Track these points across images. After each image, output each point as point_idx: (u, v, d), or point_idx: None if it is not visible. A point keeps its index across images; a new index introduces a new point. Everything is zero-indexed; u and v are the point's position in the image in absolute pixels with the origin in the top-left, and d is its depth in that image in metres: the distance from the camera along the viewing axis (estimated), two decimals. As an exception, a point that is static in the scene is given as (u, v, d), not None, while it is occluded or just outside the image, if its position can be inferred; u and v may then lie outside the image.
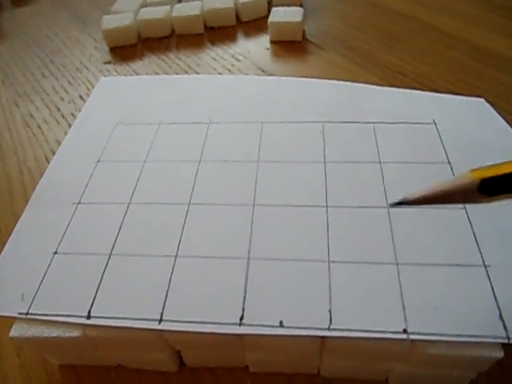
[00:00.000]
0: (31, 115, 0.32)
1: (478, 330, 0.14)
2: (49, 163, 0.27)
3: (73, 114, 0.31)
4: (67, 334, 0.15)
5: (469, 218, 0.17)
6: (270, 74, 0.33)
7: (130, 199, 0.19)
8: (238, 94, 0.25)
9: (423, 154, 0.20)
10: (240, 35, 0.38)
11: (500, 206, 0.17)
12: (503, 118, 0.23)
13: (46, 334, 0.15)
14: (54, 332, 0.16)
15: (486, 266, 0.16)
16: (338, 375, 0.17)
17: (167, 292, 0.16)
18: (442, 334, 0.14)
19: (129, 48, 0.38)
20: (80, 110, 0.25)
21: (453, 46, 0.34)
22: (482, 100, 0.23)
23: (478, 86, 0.30)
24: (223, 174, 0.20)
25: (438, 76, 0.31)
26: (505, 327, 0.14)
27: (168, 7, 0.38)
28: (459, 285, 0.15)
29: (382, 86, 0.26)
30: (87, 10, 0.46)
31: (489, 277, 0.15)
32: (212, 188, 0.19)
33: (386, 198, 0.18)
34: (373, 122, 0.22)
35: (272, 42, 0.36)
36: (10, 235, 0.19)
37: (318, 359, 0.16)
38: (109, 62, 0.36)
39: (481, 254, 0.16)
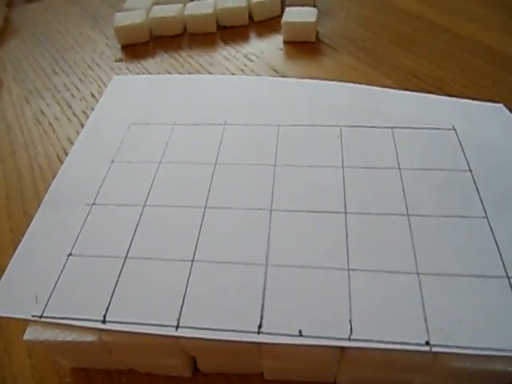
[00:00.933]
0: (42, 112, 0.32)
1: (503, 343, 0.14)
2: (60, 161, 0.27)
3: (84, 112, 0.31)
4: (82, 339, 0.15)
5: (491, 227, 0.17)
6: (282, 75, 0.32)
7: (145, 201, 0.19)
8: (253, 95, 0.24)
9: (443, 161, 0.19)
10: (253, 35, 0.38)
11: (523, 216, 0.17)
12: (522, 124, 0.22)
13: (60, 338, 0.15)
14: (69, 336, 0.15)
15: (509, 278, 0.15)
16: (354, 384, 0.17)
17: (184, 297, 0.16)
18: (465, 347, 0.14)
19: (140, 46, 0.37)
20: (92, 108, 0.25)
21: (467, 48, 0.33)
22: (500, 105, 0.23)
23: (494, 90, 0.29)
24: (240, 178, 0.20)
25: (453, 79, 0.30)
26: (530, 341, 0.14)
27: (181, 5, 0.38)
28: (482, 296, 0.15)
29: (397, 89, 0.25)
30: (98, 6, 0.45)
31: (512, 288, 0.15)
32: (228, 191, 0.19)
33: (406, 205, 0.18)
34: (391, 127, 0.21)
35: (285, 43, 0.36)
36: (22, 235, 0.19)
37: (335, 369, 0.16)
38: (120, 60, 0.36)
39: (503, 264, 0.16)
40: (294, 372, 0.17)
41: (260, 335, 0.14)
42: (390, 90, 0.24)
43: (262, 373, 0.17)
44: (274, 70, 0.33)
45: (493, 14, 0.37)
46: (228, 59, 0.35)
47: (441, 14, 0.38)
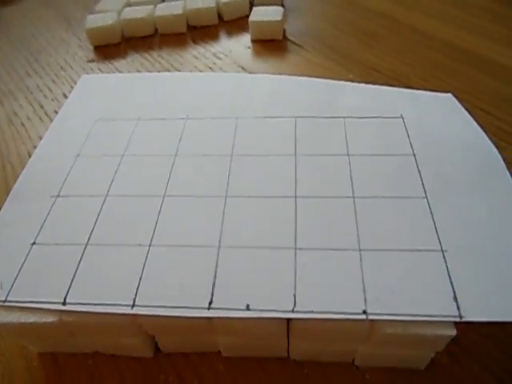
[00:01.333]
0: (15, 113, 0.32)
1: (433, 310, 0.15)
2: (31, 159, 0.28)
3: (56, 112, 0.32)
4: (43, 320, 0.16)
5: (429, 205, 0.18)
6: (250, 72, 0.33)
7: (107, 192, 0.20)
8: (216, 90, 0.25)
9: (390, 147, 0.21)
10: (222, 34, 0.39)
11: (459, 195, 0.18)
12: (471, 112, 0.24)
13: (23, 320, 0.16)
14: (31, 318, 0.16)
15: (443, 251, 0.16)
16: (306, 358, 0.18)
17: (140, 279, 0.16)
18: (398, 314, 0.15)
19: (112, 47, 0.38)
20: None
21: (428, 44, 0.35)
22: (449, 95, 0.24)
23: (452, 82, 0.31)
24: (198, 168, 0.21)
25: (414, 74, 0.32)
26: (458, 307, 0.15)
27: (151, 7, 0.39)
28: (417, 269, 0.16)
29: (359, 82, 0.27)
30: (72, 9, 0.46)
31: (445, 261, 0.16)
32: (186, 181, 0.20)
33: (353, 189, 0.19)
34: (343, 117, 0.22)
35: (253, 41, 0.37)
36: (-10, 228, 0.20)
37: (286, 342, 0.17)
38: (92, 61, 0.37)
39: (439, 239, 0.17)
40: (249, 348, 0.18)
41: (210, 310, 0.15)
42: (345, 82, 0.26)
43: (219, 351, 0.18)
44: (242, 68, 0.34)
45: (452, 11, 0.38)
46: (197, 58, 0.36)
47: (404, 11, 0.39)
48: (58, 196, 0.20)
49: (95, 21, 0.38)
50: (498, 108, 0.28)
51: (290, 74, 0.28)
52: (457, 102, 0.24)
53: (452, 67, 0.32)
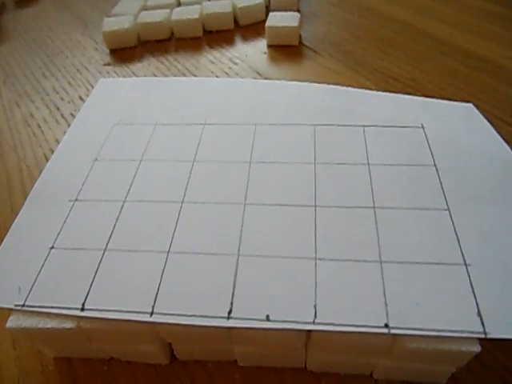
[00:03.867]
0: (31, 115, 0.33)
1: (457, 325, 0.15)
2: (47, 161, 0.28)
3: (72, 114, 0.32)
4: (61, 326, 0.16)
5: (452, 218, 0.18)
6: (266, 78, 0.33)
7: (126, 197, 0.20)
8: (233, 96, 0.25)
9: (410, 157, 0.20)
10: (238, 39, 0.39)
11: (482, 207, 0.18)
12: (491, 122, 0.23)
13: (40, 325, 0.16)
14: (49, 323, 0.16)
15: (466, 265, 0.16)
16: (323, 369, 0.18)
17: (159, 286, 0.16)
18: (421, 329, 0.14)
19: (128, 50, 0.38)
20: (80, 111, 0.26)
21: (445, 52, 0.35)
22: (470, 105, 0.24)
23: (469, 91, 0.30)
24: (216, 174, 0.20)
25: (430, 81, 0.32)
26: (482, 323, 0.14)
27: (168, 11, 0.39)
28: (440, 282, 0.16)
29: (375, 90, 0.26)
30: (88, 11, 0.46)
31: (469, 275, 0.16)
32: (205, 187, 0.20)
33: (373, 199, 0.19)
34: (363, 126, 0.22)
35: (269, 46, 0.37)
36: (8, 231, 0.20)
37: (304, 353, 0.17)
38: (108, 64, 0.37)
39: (462, 253, 0.17)
40: (265, 358, 0.17)
41: (229, 320, 0.15)
42: (364, 90, 0.25)
43: (236, 360, 0.18)
44: (258, 73, 0.34)
45: (469, 18, 0.38)
46: (213, 63, 0.36)
47: (420, 18, 0.39)
48: (77, 200, 0.20)
49: (112, 24, 0.38)
50: (518, 118, 0.28)
51: (305, 80, 0.27)
52: (477, 111, 0.24)
53: (469, 75, 0.32)
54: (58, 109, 0.33)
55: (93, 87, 0.34)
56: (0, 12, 0.48)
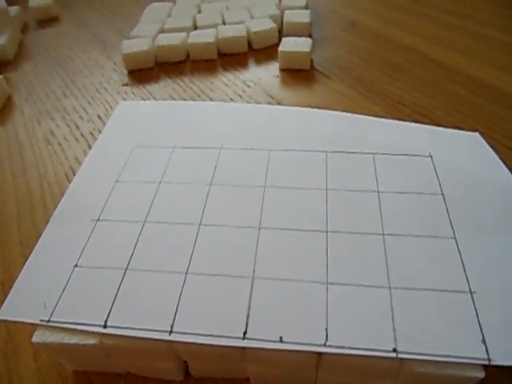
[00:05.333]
0: (52, 133, 0.34)
1: (462, 351, 0.15)
2: (68, 179, 0.29)
3: (91, 133, 0.33)
4: (85, 342, 0.17)
5: (458, 246, 0.18)
6: (278, 101, 0.35)
7: (146, 218, 0.21)
8: (249, 121, 0.26)
9: (418, 185, 0.21)
10: (251, 62, 0.40)
11: (487, 236, 0.19)
12: (497, 150, 0.24)
13: (65, 341, 0.17)
14: (73, 339, 0.17)
15: (471, 293, 0.17)
16: (332, 390, 0.18)
17: (177, 306, 0.17)
18: (428, 354, 0.15)
19: (146, 71, 0.40)
20: (98, 130, 0.27)
21: (453, 79, 0.36)
22: (476, 134, 0.25)
23: (476, 118, 0.31)
24: (232, 198, 0.21)
25: (438, 108, 0.32)
26: (486, 350, 0.15)
27: (184, 34, 0.41)
28: (446, 309, 0.17)
29: (384, 116, 0.27)
30: (106, 32, 0.48)
31: (474, 302, 0.17)
32: (221, 210, 0.21)
33: (382, 226, 0.20)
34: (373, 153, 0.23)
35: (281, 70, 0.38)
36: (32, 247, 0.21)
37: (314, 374, 0.18)
38: (126, 85, 0.39)
39: (467, 280, 0.17)
40: (277, 377, 0.18)
41: (244, 340, 0.16)
42: (373, 118, 0.26)
43: (247, 378, 0.19)
44: (271, 96, 0.35)
45: (476, 46, 0.39)
46: (227, 85, 0.37)
47: (428, 45, 0.40)
48: (99, 220, 0.21)
49: (130, 46, 0.39)
50: (524, 146, 0.29)
51: (316, 104, 0.28)
52: (483, 141, 0.25)
53: (476, 102, 0.33)
54: (78, 127, 0.34)
55: (111, 107, 0.36)
56: (23, 31, 0.49)
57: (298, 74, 0.38)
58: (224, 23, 0.43)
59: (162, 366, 0.18)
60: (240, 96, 0.36)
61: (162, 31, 0.43)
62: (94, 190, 0.23)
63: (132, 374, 0.20)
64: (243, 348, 0.16)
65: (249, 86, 0.37)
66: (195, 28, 0.43)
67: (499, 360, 0.15)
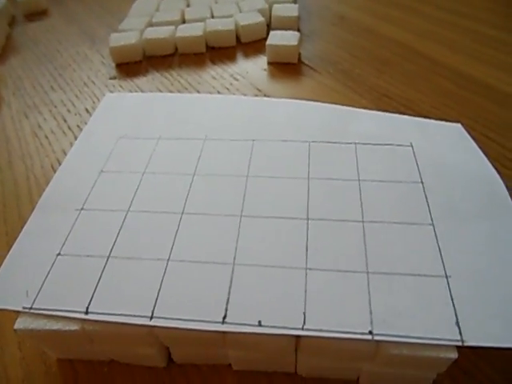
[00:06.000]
0: (39, 126, 0.34)
1: (436, 333, 0.16)
2: (54, 171, 0.29)
3: (79, 126, 0.33)
4: (67, 328, 0.17)
5: (435, 232, 0.19)
6: (265, 94, 0.35)
7: (129, 207, 0.21)
8: (234, 113, 0.27)
9: (399, 174, 0.21)
10: (239, 56, 0.40)
11: (464, 223, 0.19)
12: (480, 141, 0.24)
13: (47, 327, 0.17)
14: (55, 325, 0.17)
15: (447, 277, 0.17)
16: (313, 374, 0.19)
17: (159, 292, 0.17)
18: (403, 336, 0.16)
19: (134, 65, 0.40)
20: (85, 123, 0.27)
21: (439, 72, 0.36)
22: (458, 125, 0.25)
23: (460, 110, 0.32)
24: (215, 187, 0.22)
25: (424, 101, 0.33)
26: (460, 332, 0.16)
27: (172, 27, 0.41)
28: (422, 293, 0.17)
29: (370, 108, 0.28)
30: (95, 26, 0.48)
31: (449, 286, 0.17)
32: (204, 199, 0.21)
33: (362, 213, 0.20)
34: (355, 143, 0.23)
35: (269, 64, 0.38)
36: (16, 237, 0.21)
37: (294, 358, 0.18)
38: (114, 78, 0.39)
39: (443, 265, 0.18)
40: (258, 362, 0.18)
41: (224, 325, 0.16)
42: (357, 109, 0.27)
43: (230, 364, 0.19)
44: (258, 90, 0.36)
45: (463, 40, 0.40)
46: (215, 78, 0.37)
47: (416, 39, 0.40)
48: (83, 209, 0.21)
49: (118, 39, 0.39)
50: (506, 137, 0.29)
51: (304, 97, 0.29)
52: (465, 132, 0.25)
53: (461, 95, 0.33)
54: (65, 121, 0.34)
55: (99, 100, 0.36)
56: (10, 25, 0.49)
57: (286, 68, 0.38)
58: (212, 17, 0.43)
59: (145, 352, 0.18)
60: (227, 89, 0.36)
61: (151, 25, 0.43)
62: (79, 179, 0.23)
63: (115, 361, 0.20)
64: (223, 333, 0.17)
65: (236, 80, 0.37)
66: (183, 22, 0.43)
67: (472, 341, 0.15)
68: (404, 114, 0.28)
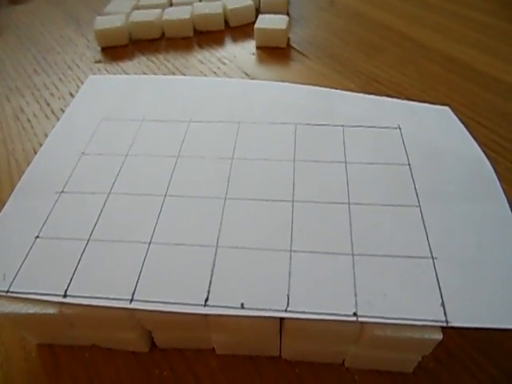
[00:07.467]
0: (22, 109, 0.33)
1: (421, 314, 0.15)
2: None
3: (62, 110, 0.32)
4: (44, 311, 0.17)
5: (422, 214, 0.19)
6: (253, 78, 0.34)
7: (110, 190, 0.20)
8: (219, 95, 0.26)
9: (386, 156, 0.21)
10: (227, 40, 0.40)
11: (451, 205, 0.19)
12: (468, 125, 0.24)
13: (24, 311, 0.17)
14: (32, 309, 0.17)
15: (433, 258, 0.17)
16: (297, 358, 0.18)
17: (139, 275, 0.17)
18: (387, 318, 0.15)
19: (120, 48, 0.39)
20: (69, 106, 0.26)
21: (428, 56, 0.36)
22: (446, 108, 0.25)
23: (450, 95, 0.31)
24: (199, 169, 0.21)
25: (412, 85, 0.33)
26: (445, 313, 0.15)
27: (159, 10, 0.40)
28: (408, 274, 0.17)
29: (359, 92, 0.27)
30: (81, 10, 0.47)
31: (435, 268, 0.17)
32: (187, 182, 0.21)
33: (348, 195, 0.19)
34: (342, 125, 0.23)
35: (257, 48, 0.38)
36: (-5, 221, 0.20)
37: (278, 342, 0.18)
38: (99, 61, 0.38)
39: (430, 247, 0.17)
40: (242, 346, 0.18)
41: (206, 307, 0.16)
42: (345, 92, 0.26)
43: (213, 349, 0.19)
44: (246, 74, 0.35)
45: (453, 25, 0.39)
46: (203, 62, 0.36)
47: (406, 24, 0.40)
48: (63, 192, 0.21)
49: (104, 22, 0.38)
50: (494, 122, 0.29)
51: (292, 82, 0.28)
52: (453, 115, 0.25)
53: (450, 80, 0.33)
54: (48, 104, 0.33)
55: (83, 84, 0.35)
56: (-7, 8, 0.48)
57: (274, 52, 0.37)
58: (200, 0, 0.42)
59: (126, 336, 0.18)
60: (215, 73, 0.35)
61: (137, 8, 0.42)
62: (59, 162, 0.22)
63: (96, 346, 0.19)
64: (206, 316, 0.16)
65: (224, 64, 0.36)
66: (171, 4, 0.42)
67: (456, 321, 0.15)
68: (393, 97, 0.28)
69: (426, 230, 0.18)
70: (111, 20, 0.39)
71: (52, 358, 0.19)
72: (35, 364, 0.19)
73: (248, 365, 0.19)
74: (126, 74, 0.36)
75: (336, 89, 0.27)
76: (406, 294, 0.16)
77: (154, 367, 0.19)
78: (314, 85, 0.28)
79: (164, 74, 0.35)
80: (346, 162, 0.21)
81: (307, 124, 0.23)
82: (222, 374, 0.18)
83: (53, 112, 0.32)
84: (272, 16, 0.38)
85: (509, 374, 0.18)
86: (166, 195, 0.20)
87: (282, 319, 0.16)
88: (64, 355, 0.19)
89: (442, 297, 0.16)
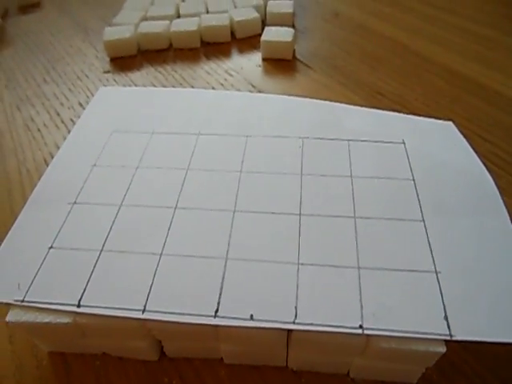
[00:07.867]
0: (32, 119, 0.34)
1: (425, 327, 0.16)
2: (47, 165, 0.29)
3: (72, 120, 0.33)
4: (58, 320, 0.17)
5: (426, 229, 0.19)
6: (259, 90, 0.35)
7: (122, 201, 0.21)
8: (228, 108, 0.27)
9: (391, 171, 0.22)
10: (234, 51, 0.40)
11: (454, 219, 0.19)
12: (470, 139, 0.25)
13: (38, 320, 0.17)
14: (46, 318, 0.17)
15: (437, 272, 0.17)
16: (303, 368, 0.19)
17: (151, 286, 0.18)
18: (392, 330, 0.16)
19: (128, 59, 0.40)
20: (79, 117, 0.27)
21: (431, 70, 0.36)
22: (450, 123, 0.25)
23: (452, 108, 0.32)
24: (208, 182, 0.22)
25: (415, 98, 0.33)
26: (448, 326, 0.16)
27: (167, 22, 0.41)
28: (412, 288, 0.17)
29: (363, 105, 0.28)
30: (88, 18, 0.48)
31: (439, 282, 0.17)
32: (197, 194, 0.21)
33: (354, 209, 0.20)
34: (348, 140, 0.24)
35: (264, 60, 0.38)
36: (8, 231, 0.21)
37: (285, 352, 0.18)
38: (108, 72, 0.38)
39: (433, 261, 0.18)
40: (250, 356, 0.19)
41: (216, 319, 0.16)
42: (351, 106, 0.27)
43: (221, 358, 0.19)
44: (252, 85, 0.36)
45: (456, 38, 0.40)
46: (210, 74, 0.37)
47: (409, 37, 0.41)
48: (75, 203, 0.21)
49: (113, 33, 0.39)
50: (496, 135, 0.29)
51: (297, 94, 0.29)
52: (456, 130, 0.25)
53: (453, 93, 0.34)
54: (58, 114, 0.34)
55: (92, 94, 0.35)
56: (3, 17, 0.49)
57: (280, 64, 0.38)
58: (207, 12, 0.43)
59: (137, 345, 0.18)
60: (222, 85, 0.36)
61: (145, 19, 0.43)
62: (71, 173, 0.23)
63: (107, 355, 0.20)
64: (215, 326, 0.17)
65: (231, 75, 0.37)
66: (178, 16, 0.43)
67: (460, 335, 0.15)
68: (396, 110, 0.28)
69: (429, 244, 0.19)
70: (120, 31, 0.39)
71: (63, 366, 0.20)
72: (47, 372, 0.20)
73: (255, 374, 0.19)
74: (135, 84, 0.36)
75: (341, 101, 0.28)
76: (410, 307, 0.17)
77: (164, 376, 0.19)
78: (319, 97, 0.28)
79: (172, 85, 0.36)
80: (351, 177, 0.21)
81: (314, 138, 0.24)
82: (230, 383, 0.19)
83: (63, 122, 0.33)
84: (278, 28, 0.39)
85: (510, 386, 0.18)
86: (176, 207, 0.21)
87: (289, 330, 0.17)
88: (75, 363, 0.20)
89: (445, 310, 0.16)
